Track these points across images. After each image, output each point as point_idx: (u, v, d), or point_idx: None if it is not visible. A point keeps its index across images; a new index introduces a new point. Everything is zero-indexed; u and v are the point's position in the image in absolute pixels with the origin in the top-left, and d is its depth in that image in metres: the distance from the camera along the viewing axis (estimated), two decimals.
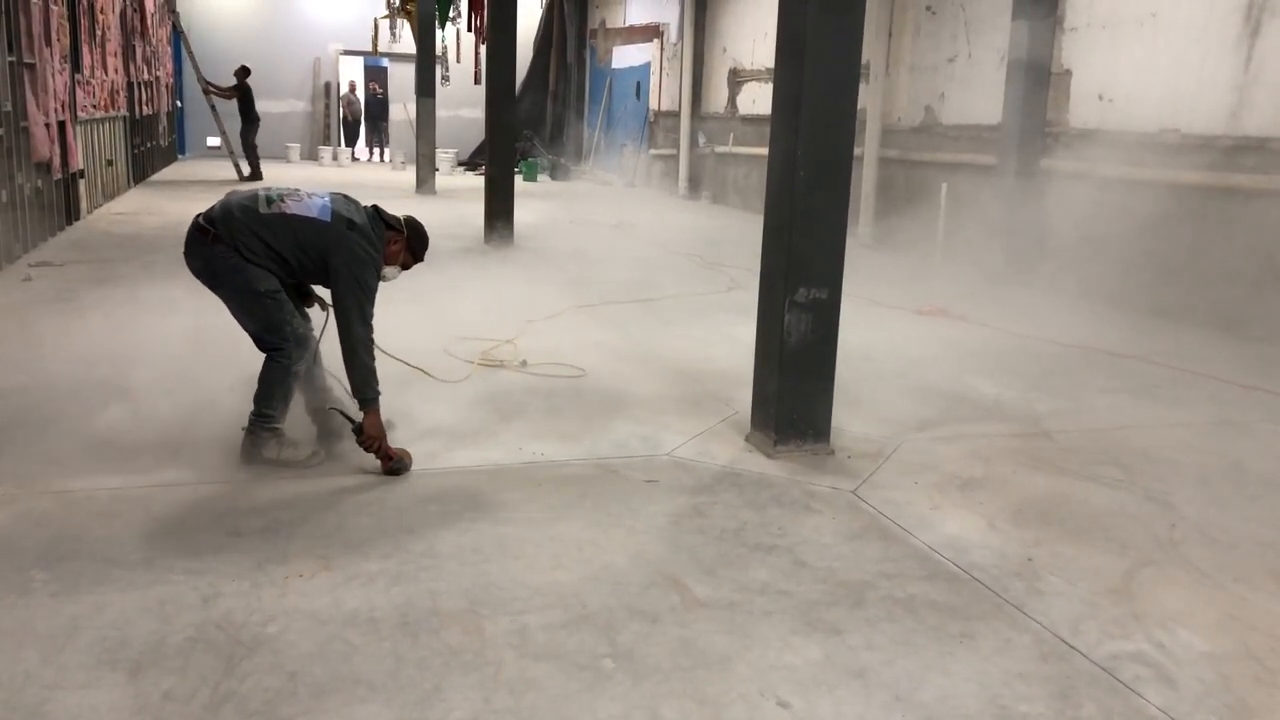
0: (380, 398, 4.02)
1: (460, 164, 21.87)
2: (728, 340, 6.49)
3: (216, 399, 4.65)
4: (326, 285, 4.03)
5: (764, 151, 14.71)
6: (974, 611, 3.12)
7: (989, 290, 8.64)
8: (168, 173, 17.67)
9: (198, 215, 4.05)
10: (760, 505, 3.88)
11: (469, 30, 15.56)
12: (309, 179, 17.68)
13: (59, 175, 9.94)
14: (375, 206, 4.19)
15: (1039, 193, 9.03)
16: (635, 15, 19.61)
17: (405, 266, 4.26)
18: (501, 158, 11.13)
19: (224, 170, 17.64)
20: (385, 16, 19.30)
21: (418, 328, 6.43)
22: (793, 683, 2.69)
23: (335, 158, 21.83)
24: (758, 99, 15.15)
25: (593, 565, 3.33)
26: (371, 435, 3.99)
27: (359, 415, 4.01)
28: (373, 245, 4.01)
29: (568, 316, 7.13)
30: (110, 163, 13.05)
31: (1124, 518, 3.90)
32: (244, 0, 22.22)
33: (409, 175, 17.95)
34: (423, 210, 14.22)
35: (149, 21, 16.49)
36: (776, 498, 3.97)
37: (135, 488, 3.80)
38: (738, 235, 12.21)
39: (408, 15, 17.32)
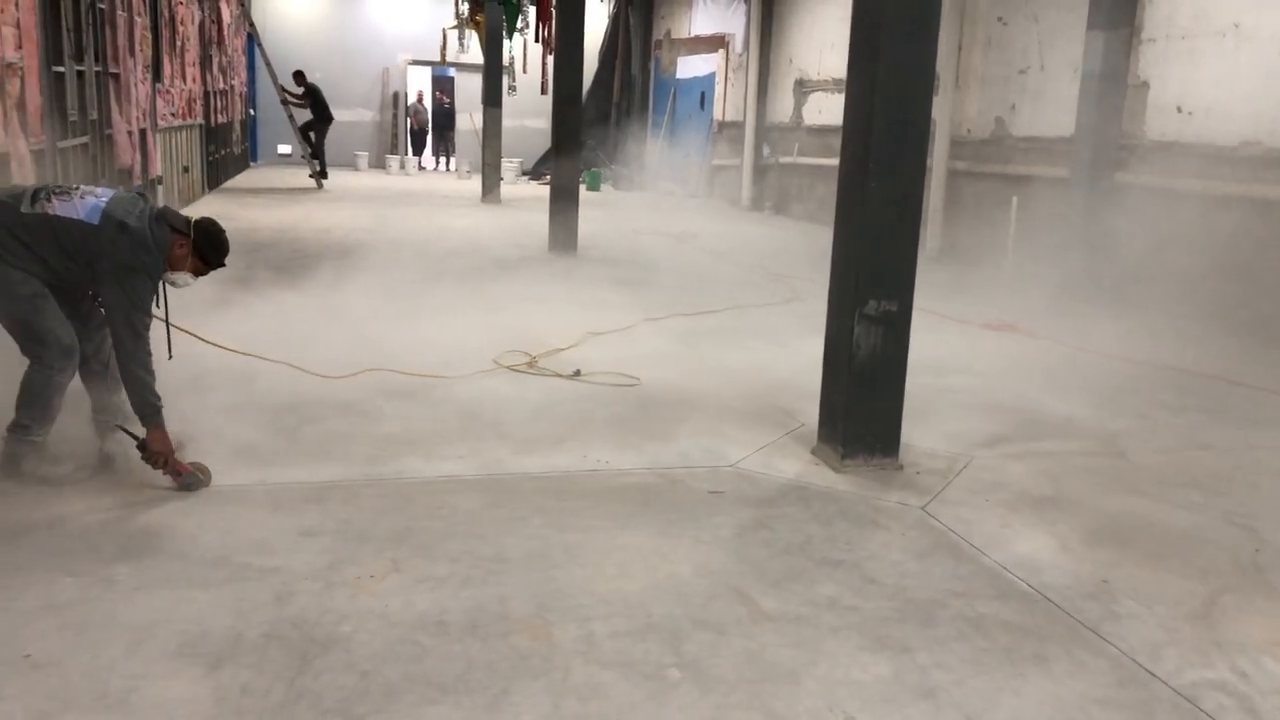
0: (163, 411, 3.78)
1: (524, 173, 22.08)
2: (792, 352, 6.46)
3: (269, 402, 4.75)
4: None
5: (829, 162, 14.44)
6: (1047, 633, 3.06)
7: (1060, 305, 8.48)
8: (240, 179, 18.09)
9: None
10: (827, 520, 3.85)
11: (536, 41, 15.69)
12: (377, 188, 18.01)
13: (139, 181, 10.23)
14: (164, 208, 3.93)
15: (1113, 206, 8.85)
16: (701, 26, 19.64)
17: (198, 273, 3.96)
18: (566, 167, 11.21)
19: (294, 178, 18.02)
20: (454, 27, 19.56)
21: (476, 335, 6.50)
22: (861, 700, 2.66)
23: (402, 166, 22.17)
24: (824, 109, 15.07)
25: (658, 575, 3.33)
26: (155, 451, 3.75)
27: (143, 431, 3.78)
28: (147, 250, 3.74)
29: (629, 324, 7.14)
30: (187, 169, 13.41)
31: (1204, 541, 3.80)
32: (315, 11, 22.70)
33: (474, 184, 18.16)
34: (488, 219, 14.13)
35: (225, 32, 16.93)
36: (843, 512, 3.93)
37: (215, 487, 3.88)
38: (802, 246, 12.15)
39: (476, 26, 17.52)
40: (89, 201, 3.74)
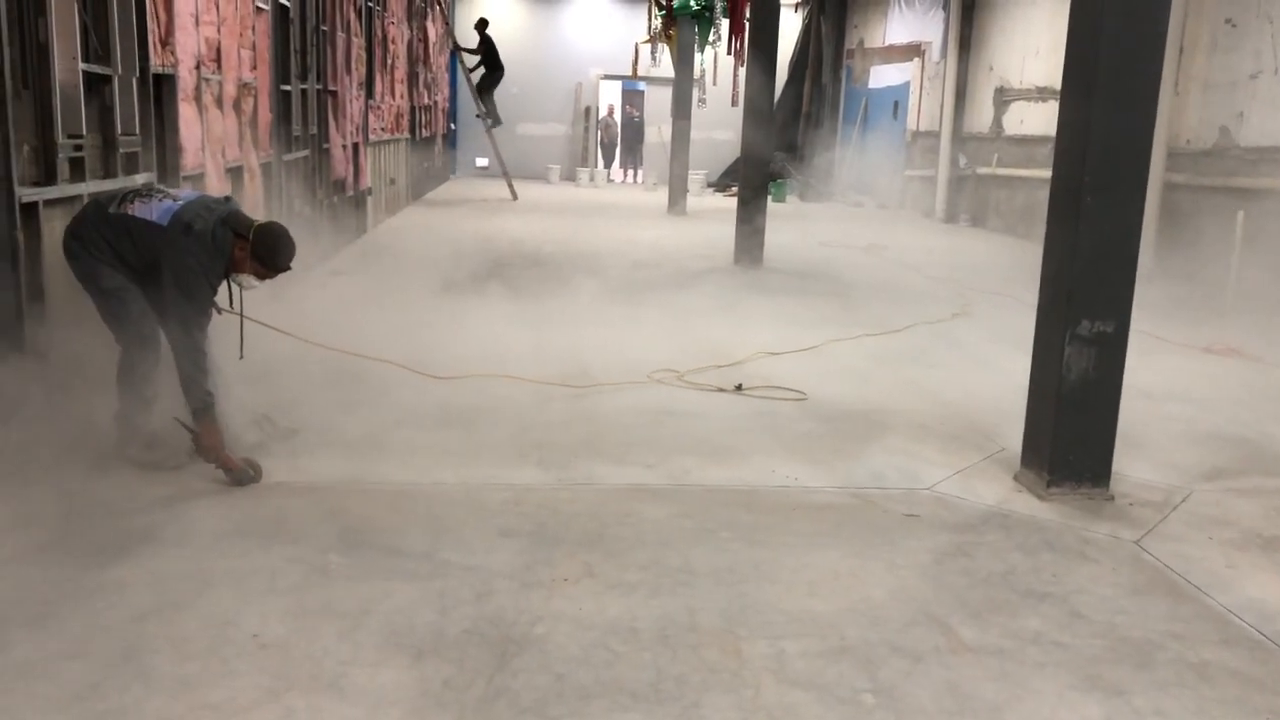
0: (214, 406, 3.88)
1: (709, 185, 22.14)
2: (992, 371, 6.19)
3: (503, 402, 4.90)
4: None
5: (1031, 174, 13.82)
6: None
7: None
8: (441, 191, 18.94)
9: None
10: (1031, 549, 3.66)
11: (728, 53, 15.74)
12: (568, 200, 18.48)
13: (351, 193, 10.89)
14: (234, 212, 4.04)
15: None
16: (895, 34, 19.21)
17: (260, 275, 4.05)
18: (754, 179, 11.17)
19: (490, 190, 18.72)
20: (646, 41, 19.89)
21: (661, 345, 6.53)
22: None
23: (592, 179, 22.65)
24: (1026, 119, 14.44)
25: (850, 597, 3.25)
26: (205, 446, 3.88)
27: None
28: (207, 252, 3.88)
29: (818, 339, 7.02)
30: (393, 181, 14.17)
31: None
32: (511, 28, 23.49)
33: (661, 196, 18.37)
34: (674, 231, 14.20)
35: (431, 50, 17.80)
36: (1049, 542, 3.73)
37: (418, 485, 4.07)
38: (1001, 260, 11.66)
39: (668, 40, 17.75)
40: (165, 204, 3.95)
